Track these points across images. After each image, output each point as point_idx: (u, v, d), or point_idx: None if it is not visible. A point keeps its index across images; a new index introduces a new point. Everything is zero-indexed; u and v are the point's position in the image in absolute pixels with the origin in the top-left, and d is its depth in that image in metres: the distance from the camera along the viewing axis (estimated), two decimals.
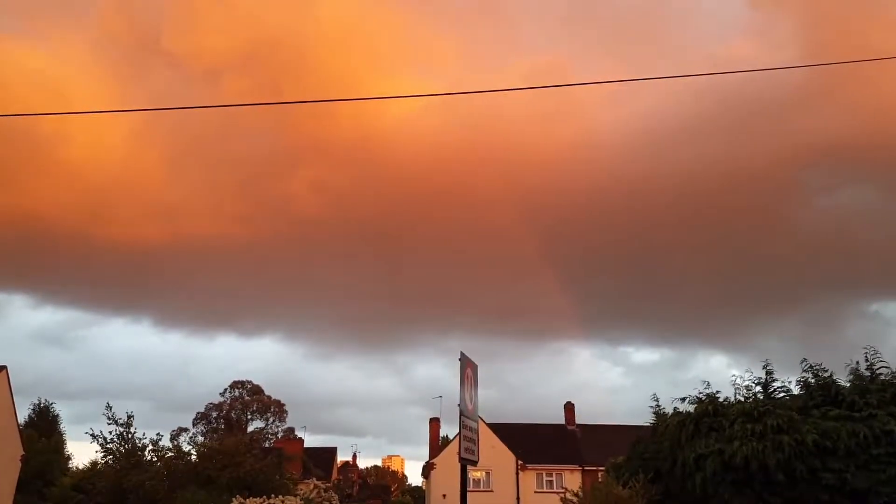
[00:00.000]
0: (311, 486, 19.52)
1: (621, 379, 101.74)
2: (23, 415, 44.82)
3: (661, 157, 57.49)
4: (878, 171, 59.46)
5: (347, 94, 57.02)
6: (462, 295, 76.57)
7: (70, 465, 42.89)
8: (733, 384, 16.39)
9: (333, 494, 20.02)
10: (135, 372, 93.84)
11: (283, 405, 57.34)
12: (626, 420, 41.26)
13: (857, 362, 15.41)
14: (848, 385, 15.14)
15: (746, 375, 16.31)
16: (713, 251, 63.15)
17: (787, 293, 72.64)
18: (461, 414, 9.44)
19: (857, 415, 14.20)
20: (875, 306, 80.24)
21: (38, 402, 48.61)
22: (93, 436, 26.88)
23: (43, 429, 43.82)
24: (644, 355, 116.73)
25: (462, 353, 9.72)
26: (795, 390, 15.98)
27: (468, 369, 9.84)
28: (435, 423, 47.50)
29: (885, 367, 15.21)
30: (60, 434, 46.71)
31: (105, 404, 27.56)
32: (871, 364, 15.34)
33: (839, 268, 64.85)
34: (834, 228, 63.93)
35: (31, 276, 65.09)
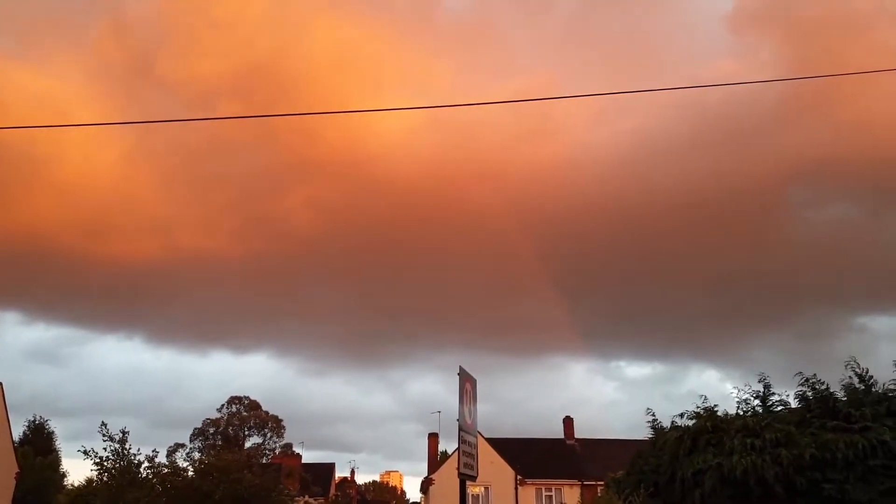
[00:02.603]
0: (303, 502, 19.34)
1: (616, 393, 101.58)
2: (17, 432, 44.61)
3: (651, 174, 58.22)
4: (862, 186, 60.33)
5: (336, 119, 57.45)
6: (456, 311, 76.75)
7: (66, 483, 42.56)
8: (734, 398, 16.46)
9: None
10: (128, 388, 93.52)
11: (281, 420, 57.13)
12: (623, 434, 41.24)
13: (851, 377, 15.48)
14: (844, 398, 15.21)
15: (745, 389, 16.37)
16: (703, 266, 63.68)
17: (777, 307, 73.27)
18: (460, 429, 9.44)
19: (854, 426, 14.26)
20: (863, 319, 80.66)
21: (32, 419, 48.34)
22: (85, 452, 26.73)
23: (38, 446, 43.52)
24: (636, 370, 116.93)
25: (461, 368, 9.73)
26: (793, 403, 16.03)
27: (467, 384, 9.85)
28: (433, 438, 47.29)
29: (876, 380, 15.29)
30: (56, 451, 46.40)
31: (100, 422, 27.40)
32: (863, 377, 15.42)
33: (827, 282, 65.49)
34: (821, 243, 64.68)
35: (23, 293, 65.11)
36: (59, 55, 62.29)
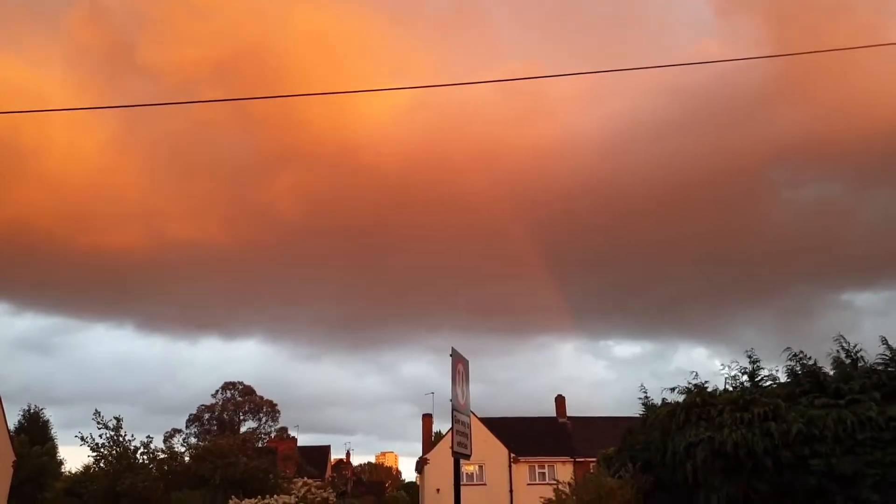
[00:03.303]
0: (301, 484, 19.60)
1: (605, 372, 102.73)
2: (12, 421, 44.63)
3: (637, 156, 58.48)
4: (845, 165, 60.94)
5: (322, 105, 57.01)
6: (446, 293, 77.01)
7: (63, 470, 42.70)
8: (724, 374, 16.71)
9: (330, 492, 20.10)
10: (120, 376, 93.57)
11: (276, 405, 57.35)
12: (613, 412, 41.74)
13: (839, 351, 15.74)
14: (832, 373, 15.47)
15: (733, 365, 16.61)
16: (690, 245, 64.20)
17: (763, 285, 74.19)
18: (454, 409, 9.56)
19: (841, 402, 14.51)
20: (846, 296, 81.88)
21: (27, 408, 48.35)
22: (82, 438, 26.90)
23: (34, 434, 43.57)
24: (625, 348, 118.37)
25: (453, 349, 9.83)
26: (782, 378, 16.28)
27: (459, 365, 9.95)
28: (427, 418, 47.70)
29: (862, 353, 15.56)
30: (52, 439, 46.50)
31: (94, 410, 27.64)
32: (850, 352, 15.68)
33: (811, 260, 66.34)
34: (805, 222, 65.46)
35: (10, 283, 64.64)
36: (35, 42, 61.40)
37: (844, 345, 15.72)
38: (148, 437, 28.64)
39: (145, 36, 59.16)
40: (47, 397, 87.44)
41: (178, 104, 39.63)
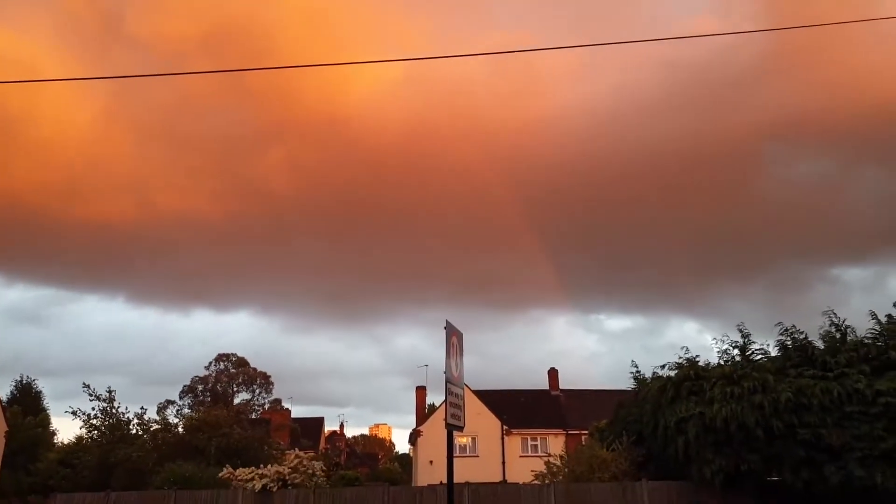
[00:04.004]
0: (293, 457, 19.70)
1: (597, 345, 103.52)
2: (4, 392, 44.68)
3: (631, 132, 58.24)
4: (835, 142, 60.98)
5: (314, 78, 56.23)
6: (438, 267, 77.04)
7: (56, 441, 42.86)
8: (715, 348, 16.79)
9: (319, 464, 20.20)
10: (112, 348, 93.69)
11: (270, 377, 57.49)
12: (605, 385, 42.08)
13: (831, 326, 15.81)
14: (821, 347, 15.56)
15: (725, 339, 16.66)
16: (682, 221, 64.34)
17: (753, 260, 74.64)
18: (447, 381, 9.52)
19: (829, 374, 14.62)
20: (836, 271, 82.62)
21: (19, 379, 48.31)
22: (74, 413, 26.91)
23: (26, 406, 43.59)
24: (617, 322, 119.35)
25: (447, 322, 9.76)
26: (773, 352, 16.37)
27: (454, 337, 9.90)
28: (421, 391, 47.99)
29: (850, 327, 15.66)
30: (45, 410, 46.56)
31: (85, 381, 27.61)
32: (840, 326, 15.75)
33: (801, 235, 66.70)
34: (796, 198, 65.69)
35: (2, 255, 64.16)
36: (25, 11, 60.15)
37: (834, 319, 15.80)
38: (142, 408, 28.73)
39: (134, 8, 58.11)
40: (39, 368, 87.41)
41: (169, 75, 38.96)
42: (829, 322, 15.84)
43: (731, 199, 63.96)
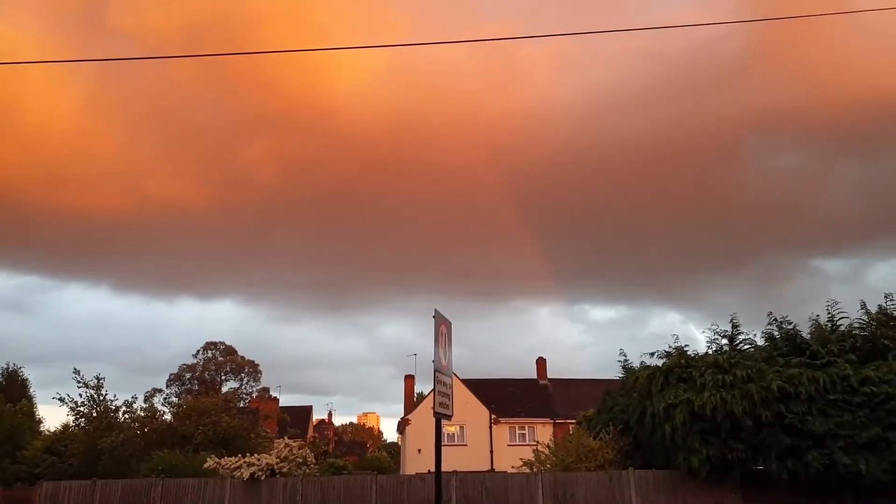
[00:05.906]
0: (283, 445, 19.65)
1: (582, 335, 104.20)
2: None
3: (614, 124, 58.45)
4: (815, 135, 61.39)
5: (299, 69, 55.80)
6: (424, 257, 77.20)
7: (42, 429, 42.52)
8: (705, 337, 16.92)
9: (308, 452, 20.18)
10: (97, 336, 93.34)
11: (258, 365, 57.32)
12: (591, 374, 42.35)
13: (819, 315, 15.99)
14: (809, 336, 15.72)
15: (713, 328, 16.76)
16: (665, 212, 64.67)
17: (735, 252, 75.39)
18: (436, 370, 9.50)
19: (817, 363, 14.78)
20: (815, 262, 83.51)
21: (5, 366, 47.89)
22: (61, 399, 26.71)
23: (12, 393, 43.20)
24: (601, 312, 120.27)
25: (436, 311, 9.73)
26: (760, 342, 16.51)
27: (442, 326, 9.87)
28: (410, 379, 48.01)
29: (845, 318, 15.83)
30: (30, 398, 46.18)
31: (72, 368, 27.44)
32: (832, 316, 15.93)
33: (782, 227, 67.33)
34: (777, 190, 66.18)
35: None
36: (7, 2, 59.23)
37: (831, 310, 16.00)
38: (133, 396, 28.64)
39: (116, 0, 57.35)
40: (24, 356, 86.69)
41: (148, 59, 38.42)
42: (827, 312, 16.06)
43: (714, 190, 64.49)
